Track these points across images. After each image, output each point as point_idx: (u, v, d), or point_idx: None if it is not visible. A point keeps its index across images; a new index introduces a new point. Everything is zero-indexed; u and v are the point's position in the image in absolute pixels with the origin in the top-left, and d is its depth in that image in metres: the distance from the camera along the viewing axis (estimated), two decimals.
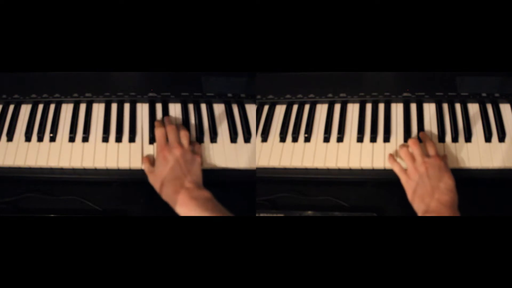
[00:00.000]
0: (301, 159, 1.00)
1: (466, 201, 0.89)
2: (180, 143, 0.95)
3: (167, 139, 0.96)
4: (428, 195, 0.87)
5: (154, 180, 0.93)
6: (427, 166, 0.90)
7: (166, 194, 0.90)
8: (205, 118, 1.04)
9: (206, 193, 0.89)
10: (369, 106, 1.06)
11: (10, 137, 0.99)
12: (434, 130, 1.01)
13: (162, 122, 1.00)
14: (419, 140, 0.98)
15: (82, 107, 1.04)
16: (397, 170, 0.94)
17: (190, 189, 0.89)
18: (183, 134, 0.97)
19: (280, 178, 1.01)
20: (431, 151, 0.93)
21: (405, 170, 0.93)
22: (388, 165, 0.96)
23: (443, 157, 0.94)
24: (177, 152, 0.93)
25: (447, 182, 0.88)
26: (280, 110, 1.09)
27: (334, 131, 1.03)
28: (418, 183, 0.90)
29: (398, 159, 0.96)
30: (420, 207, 0.87)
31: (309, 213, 0.96)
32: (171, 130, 0.97)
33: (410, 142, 0.95)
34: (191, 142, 0.98)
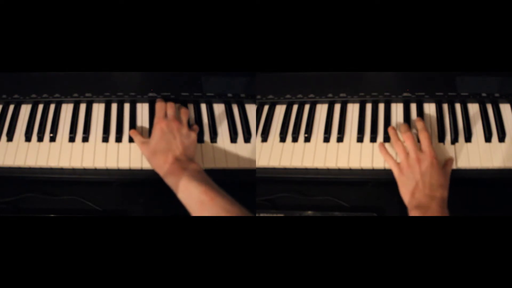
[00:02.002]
0: (301, 159, 1.00)
1: (466, 201, 0.89)
2: (178, 118, 0.97)
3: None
4: (419, 190, 0.88)
5: (147, 150, 0.94)
6: (420, 162, 0.91)
7: (157, 163, 0.91)
8: (205, 118, 1.04)
9: (196, 166, 0.91)
10: (369, 106, 1.06)
11: (10, 137, 0.99)
12: (434, 130, 1.01)
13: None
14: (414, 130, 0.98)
15: (82, 107, 1.04)
16: (390, 163, 0.95)
17: (181, 160, 0.90)
18: (183, 111, 0.99)
19: (280, 178, 1.01)
20: (424, 145, 0.93)
21: (398, 164, 0.93)
22: (388, 165, 0.96)
23: (448, 160, 0.94)
24: (173, 125, 0.95)
25: (439, 179, 0.89)
26: (280, 110, 1.09)
27: (334, 131, 1.03)
28: (410, 178, 0.90)
29: (391, 151, 0.96)
30: (411, 202, 0.88)
31: (309, 213, 0.96)
32: (170, 106, 0.99)
33: (404, 136, 0.95)
34: (189, 122, 0.99)
